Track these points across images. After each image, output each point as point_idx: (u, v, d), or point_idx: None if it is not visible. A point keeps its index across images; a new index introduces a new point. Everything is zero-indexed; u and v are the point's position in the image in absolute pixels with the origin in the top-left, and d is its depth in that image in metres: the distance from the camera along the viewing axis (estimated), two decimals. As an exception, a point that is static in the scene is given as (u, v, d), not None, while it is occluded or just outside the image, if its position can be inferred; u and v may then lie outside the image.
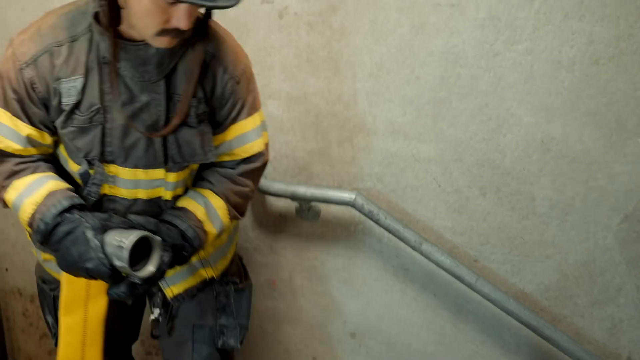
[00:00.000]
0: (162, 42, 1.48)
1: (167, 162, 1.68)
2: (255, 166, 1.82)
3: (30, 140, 1.63)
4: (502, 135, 2.01)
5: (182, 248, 1.67)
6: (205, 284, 1.94)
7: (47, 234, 1.60)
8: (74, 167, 1.68)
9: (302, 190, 2.24)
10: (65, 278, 1.73)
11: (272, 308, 2.58)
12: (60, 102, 1.58)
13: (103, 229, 1.57)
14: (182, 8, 1.40)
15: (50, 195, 1.62)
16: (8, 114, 1.59)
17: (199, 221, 1.72)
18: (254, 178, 1.85)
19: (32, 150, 1.66)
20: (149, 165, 1.67)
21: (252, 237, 2.50)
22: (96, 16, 1.51)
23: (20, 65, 1.55)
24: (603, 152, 1.94)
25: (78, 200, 1.64)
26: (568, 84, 1.91)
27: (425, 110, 2.08)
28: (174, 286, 1.87)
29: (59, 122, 1.60)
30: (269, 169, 2.33)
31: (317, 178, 2.31)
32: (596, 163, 1.96)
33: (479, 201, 2.12)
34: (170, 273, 1.84)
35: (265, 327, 2.61)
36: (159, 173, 1.69)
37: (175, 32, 1.46)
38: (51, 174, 1.68)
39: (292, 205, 2.33)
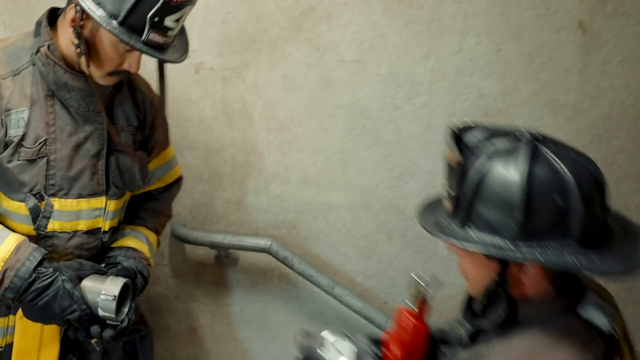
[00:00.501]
0: (109, 81, 1.66)
1: (108, 189, 1.78)
2: (174, 193, 2.06)
3: None
4: (405, 183, 2.14)
5: (142, 288, 1.83)
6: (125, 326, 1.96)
7: (22, 290, 1.60)
8: (9, 206, 1.68)
9: (220, 237, 2.31)
10: (18, 327, 1.73)
11: (193, 355, 2.60)
12: (6, 134, 1.61)
13: (78, 279, 1.65)
14: (136, 55, 1.59)
15: (18, 249, 1.62)
16: None
17: (148, 259, 1.88)
18: (171, 206, 2.07)
19: None
20: (92, 193, 1.75)
21: (173, 284, 2.54)
22: (48, 50, 1.62)
23: None
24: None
25: (44, 251, 1.66)
26: (463, 134, 2.05)
27: (334, 159, 2.20)
28: None
29: (4, 155, 1.61)
30: (188, 218, 2.40)
31: (235, 226, 2.38)
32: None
33: (386, 245, 2.23)
34: None
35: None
36: (100, 202, 1.77)
37: (123, 73, 1.64)
38: (1, 225, 1.66)
39: (211, 252, 2.39)
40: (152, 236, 1.98)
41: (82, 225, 1.77)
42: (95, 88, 1.66)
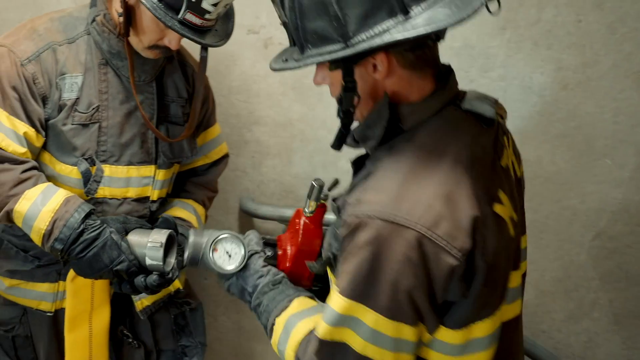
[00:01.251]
0: (150, 54, 1.71)
1: (157, 158, 1.84)
2: (221, 169, 2.09)
3: (26, 142, 1.65)
4: (479, 158, 2.11)
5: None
6: (168, 300, 2.00)
7: (71, 241, 1.62)
8: (61, 170, 1.73)
9: (289, 212, 2.31)
10: (70, 291, 1.78)
11: (261, 328, 2.64)
12: (60, 98, 1.67)
13: (124, 231, 1.68)
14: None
15: (67, 202, 1.65)
16: (5, 113, 1.62)
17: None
18: (217, 182, 2.12)
19: (30, 155, 1.68)
20: (142, 161, 1.81)
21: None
22: (104, 18, 1.68)
23: (21, 62, 1.63)
24: (574, 173, 2.04)
25: (91, 205, 1.70)
26: (539, 108, 2.01)
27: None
28: (144, 299, 1.93)
29: (59, 118, 1.67)
30: (256, 193, 2.41)
31: (304, 201, 2.38)
32: (568, 183, 2.06)
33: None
34: None
35: (254, 347, 2.67)
36: (149, 170, 1.83)
37: (164, 49, 1.68)
38: (51, 183, 1.71)
39: (279, 227, 2.40)
40: (200, 208, 2.02)
41: (132, 192, 1.82)
42: (148, 59, 1.71)
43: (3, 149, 1.61)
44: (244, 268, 1.53)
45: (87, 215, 1.65)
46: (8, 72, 1.62)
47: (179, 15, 1.53)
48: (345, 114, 1.17)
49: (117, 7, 1.64)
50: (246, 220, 2.47)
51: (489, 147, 1.16)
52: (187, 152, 1.91)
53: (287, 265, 1.52)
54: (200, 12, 1.54)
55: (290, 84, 2.25)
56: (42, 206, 1.62)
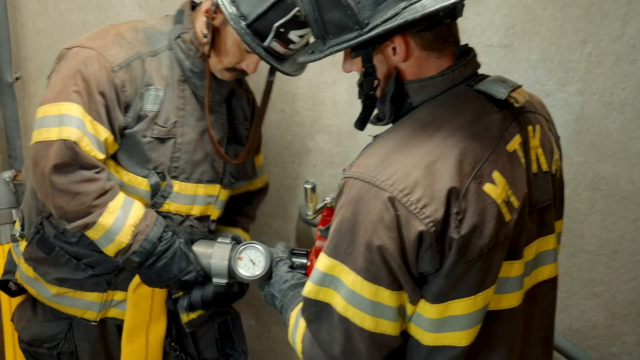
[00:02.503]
0: (226, 76, 1.72)
1: (223, 178, 1.86)
2: (262, 198, 2.15)
3: (104, 149, 1.63)
4: (553, 174, 2.05)
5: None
6: (215, 312, 1.98)
7: (149, 254, 1.65)
8: (130, 180, 1.71)
9: (350, 223, 2.28)
10: (131, 301, 1.77)
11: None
12: (142, 108, 1.66)
13: (191, 242, 1.71)
14: (255, 57, 1.65)
15: (146, 216, 1.67)
16: (90, 117, 1.58)
17: None
18: (256, 211, 2.18)
19: (105, 163, 1.66)
20: (210, 180, 1.83)
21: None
22: (185, 38, 1.69)
23: (112, 68, 1.61)
24: (652, 192, 1.97)
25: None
26: (619, 124, 1.94)
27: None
28: (191, 312, 1.91)
29: (139, 129, 1.66)
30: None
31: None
32: (646, 203, 1.99)
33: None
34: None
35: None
36: (215, 189, 1.85)
37: (240, 72, 1.70)
38: (124, 194, 1.70)
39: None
40: (247, 237, 2.03)
41: (195, 210, 1.82)
42: (223, 81, 1.74)
43: (87, 152, 1.58)
44: (271, 277, 1.58)
45: (164, 228, 1.68)
46: (97, 77, 1.59)
47: (265, 43, 1.57)
48: (367, 97, 1.24)
49: (202, 28, 1.66)
50: (304, 228, 2.43)
51: (495, 128, 1.16)
52: (250, 173, 1.98)
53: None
54: (286, 42, 1.58)
55: (357, 92, 2.20)
56: (124, 220, 1.63)
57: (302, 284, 1.48)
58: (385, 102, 1.22)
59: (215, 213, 1.89)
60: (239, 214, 2.09)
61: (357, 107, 2.19)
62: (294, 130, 2.32)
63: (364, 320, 1.12)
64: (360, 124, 1.31)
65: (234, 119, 1.87)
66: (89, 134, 1.58)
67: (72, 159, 1.57)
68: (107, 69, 1.60)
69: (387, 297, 1.10)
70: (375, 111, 1.29)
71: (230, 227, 2.04)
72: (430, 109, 1.18)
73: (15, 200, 2.35)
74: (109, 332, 1.90)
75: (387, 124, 1.25)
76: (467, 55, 1.21)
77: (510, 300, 1.21)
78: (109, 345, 1.91)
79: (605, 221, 2.04)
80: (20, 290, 1.91)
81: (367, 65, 1.18)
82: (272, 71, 1.73)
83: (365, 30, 1.13)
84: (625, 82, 1.90)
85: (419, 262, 1.09)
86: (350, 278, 1.11)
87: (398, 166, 1.09)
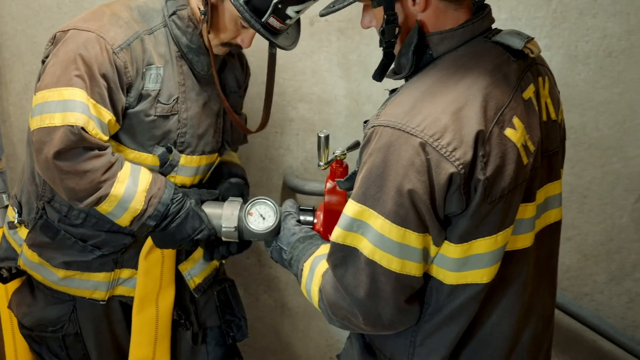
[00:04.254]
0: (222, 50, 1.76)
1: (221, 147, 1.92)
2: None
3: (107, 130, 1.64)
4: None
5: None
6: (215, 275, 2.05)
7: (163, 216, 1.69)
8: (135, 157, 1.73)
9: (334, 188, 2.36)
10: (142, 269, 1.81)
11: (302, 305, 2.68)
12: (143, 87, 1.68)
13: (200, 202, 1.76)
14: (250, 32, 1.70)
15: (154, 180, 1.71)
16: (92, 101, 1.58)
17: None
18: None
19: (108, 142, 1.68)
20: (211, 150, 1.88)
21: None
22: (182, 15, 1.70)
23: (114, 49, 1.61)
24: (617, 138, 2.12)
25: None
26: (584, 76, 2.09)
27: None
28: (195, 277, 1.97)
29: (142, 109, 1.68)
30: (300, 170, 2.46)
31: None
32: (611, 148, 2.14)
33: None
34: (190, 265, 1.96)
35: (297, 325, 2.71)
36: (214, 158, 1.92)
37: (235, 46, 1.75)
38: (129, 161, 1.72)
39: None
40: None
41: (197, 179, 1.87)
42: (212, 54, 1.74)
43: (93, 136, 1.59)
44: (279, 232, 1.64)
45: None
46: (99, 59, 1.59)
47: (263, 19, 1.59)
48: (388, 44, 1.28)
49: (198, 4, 1.68)
50: (290, 196, 2.50)
51: (513, 77, 1.23)
52: (242, 139, 2.05)
53: (319, 228, 1.61)
54: (283, 18, 1.61)
55: (336, 60, 2.30)
56: (135, 187, 1.66)
57: (311, 237, 1.55)
58: (408, 53, 1.26)
59: (206, 177, 1.95)
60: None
61: (336, 74, 2.31)
62: (275, 100, 2.32)
63: (390, 262, 1.18)
64: (379, 74, 1.36)
65: (227, 88, 1.91)
66: (93, 117, 1.58)
67: (76, 144, 1.57)
68: (109, 51, 1.60)
69: (414, 239, 1.16)
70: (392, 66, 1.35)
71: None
72: (452, 59, 1.24)
73: (5, 186, 2.35)
74: (112, 310, 1.93)
75: (404, 77, 1.31)
76: (483, 9, 1.29)
77: (524, 240, 1.29)
78: (112, 323, 1.95)
79: (575, 168, 2.18)
80: (12, 276, 1.92)
81: (389, 13, 1.23)
82: (272, 44, 1.75)
83: None
84: (588, 35, 2.05)
85: (447, 204, 1.15)
86: (378, 222, 1.17)
87: (427, 113, 1.15)
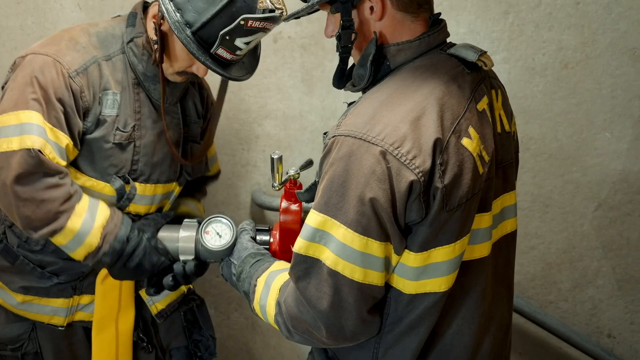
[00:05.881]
0: (178, 79, 1.75)
1: (180, 176, 1.89)
2: (213, 181, 2.17)
3: (65, 155, 1.63)
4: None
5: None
6: (181, 300, 2.03)
7: (119, 254, 1.68)
8: (92, 185, 1.72)
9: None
10: (99, 293, 1.80)
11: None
12: (101, 112, 1.67)
13: (157, 232, 1.74)
14: None
15: (112, 216, 1.69)
16: (49, 125, 1.57)
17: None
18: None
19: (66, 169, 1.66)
20: (168, 180, 1.85)
21: (252, 253, 2.60)
22: (138, 43, 1.69)
23: (70, 73, 1.60)
24: (576, 148, 2.18)
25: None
26: (542, 87, 2.14)
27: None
28: (158, 303, 1.95)
29: (100, 135, 1.67)
30: (267, 186, 2.46)
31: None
32: (570, 158, 2.19)
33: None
34: None
35: (268, 342, 2.70)
36: (171, 187, 1.88)
37: (191, 75, 1.73)
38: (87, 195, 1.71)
39: (290, 218, 2.46)
40: (200, 206, 2.09)
41: (153, 208, 1.86)
42: (163, 83, 1.72)
43: (51, 160, 1.57)
44: (233, 249, 1.64)
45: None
46: (54, 83, 1.58)
47: (212, 50, 1.57)
48: (344, 49, 1.32)
49: (151, 34, 1.68)
50: (258, 213, 2.51)
51: (467, 88, 1.26)
52: (203, 169, 2.02)
53: (275, 247, 1.61)
54: (232, 49, 1.58)
55: (300, 76, 2.32)
56: (92, 222, 1.64)
57: (262, 254, 1.55)
58: (366, 64, 1.29)
59: (168, 206, 1.93)
60: (191, 195, 2.10)
61: (300, 91, 2.33)
62: (241, 118, 2.40)
63: (353, 272, 1.19)
64: (338, 79, 1.39)
65: (188, 118, 1.89)
66: (50, 141, 1.57)
67: (35, 168, 1.56)
68: (65, 75, 1.59)
69: (376, 248, 1.18)
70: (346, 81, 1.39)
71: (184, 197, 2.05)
72: (410, 70, 1.27)
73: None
74: (73, 330, 1.91)
75: (362, 88, 1.34)
76: (439, 23, 1.33)
77: (482, 250, 1.31)
78: (73, 344, 1.91)
79: (536, 178, 2.23)
80: None
81: (345, 19, 1.27)
82: (223, 76, 1.74)
83: None
84: (545, 48, 2.11)
85: (407, 212, 1.17)
86: (341, 231, 1.17)
87: (386, 122, 1.17)
